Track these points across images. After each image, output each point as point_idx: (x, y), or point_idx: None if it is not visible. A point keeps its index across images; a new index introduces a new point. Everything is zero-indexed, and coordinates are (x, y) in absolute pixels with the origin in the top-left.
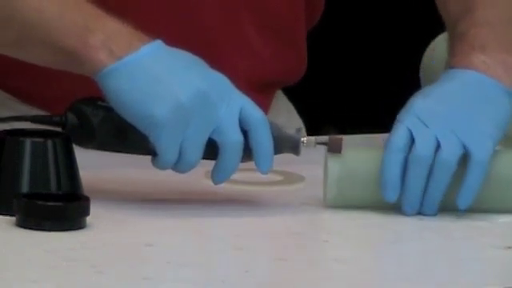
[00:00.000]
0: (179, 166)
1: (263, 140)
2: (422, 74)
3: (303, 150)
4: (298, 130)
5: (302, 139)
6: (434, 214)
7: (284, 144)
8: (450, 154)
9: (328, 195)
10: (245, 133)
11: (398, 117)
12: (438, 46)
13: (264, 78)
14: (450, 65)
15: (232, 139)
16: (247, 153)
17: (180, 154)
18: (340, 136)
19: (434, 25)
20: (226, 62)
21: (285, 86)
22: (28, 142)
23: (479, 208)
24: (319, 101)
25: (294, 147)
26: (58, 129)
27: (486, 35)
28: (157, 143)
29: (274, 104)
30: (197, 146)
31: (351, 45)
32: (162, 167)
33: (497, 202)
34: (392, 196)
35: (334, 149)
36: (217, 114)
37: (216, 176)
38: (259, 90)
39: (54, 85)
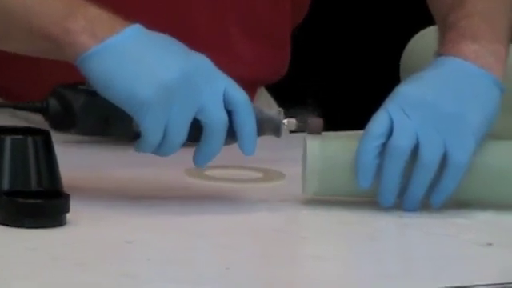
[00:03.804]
0: (163, 148)
1: (247, 120)
2: (402, 72)
3: (285, 145)
4: (280, 112)
5: (284, 121)
6: (415, 210)
7: (266, 125)
8: (431, 153)
9: (307, 186)
10: (228, 114)
11: (383, 103)
12: (418, 42)
13: (247, 78)
14: (438, 52)
15: (217, 118)
16: (230, 135)
17: (164, 135)
18: (320, 118)
19: (417, 22)
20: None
21: (267, 84)
22: (8, 140)
23: (463, 199)
24: (301, 97)
25: (275, 129)
26: (40, 115)
27: (478, 25)
28: (141, 124)
29: (256, 100)
30: (181, 127)
31: (335, 42)
32: (146, 150)
33: (481, 193)
34: (364, 183)
35: (314, 130)
36: (201, 94)
37: (199, 157)
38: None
39: (36, 81)
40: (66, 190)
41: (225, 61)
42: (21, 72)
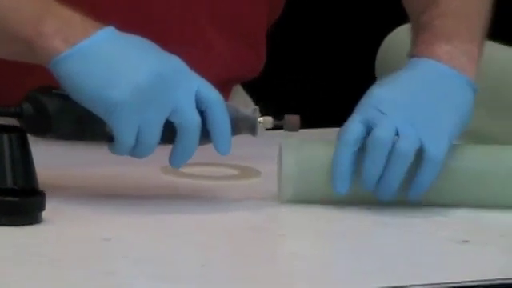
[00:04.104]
0: (137, 150)
1: (220, 120)
2: (377, 69)
3: (261, 143)
4: (255, 110)
5: (259, 119)
6: (390, 200)
7: (241, 124)
8: (408, 144)
9: (282, 193)
10: (202, 114)
11: (356, 107)
12: (393, 40)
13: (222, 76)
14: (411, 54)
15: (190, 120)
16: (205, 135)
17: (138, 137)
18: (296, 115)
19: (392, 19)
20: (183, 59)
21: (242, 81)
22: None
23: (438, 202)
24: (278, 94)
25: (250, 127)
26: (15, 120)
27: (451, 25)
28: (114, 126)
29: (232, 98)
30: (155, 128)
31: (311, 39)
32: (120, 152)
33: (455, 196)
34: (341, 188)
35: (291, 127)
36: (173, 96)
37: (174, 159)
38: (216, 87)
39: (11, 86)
40: (41, 187)
41: (200, 58)
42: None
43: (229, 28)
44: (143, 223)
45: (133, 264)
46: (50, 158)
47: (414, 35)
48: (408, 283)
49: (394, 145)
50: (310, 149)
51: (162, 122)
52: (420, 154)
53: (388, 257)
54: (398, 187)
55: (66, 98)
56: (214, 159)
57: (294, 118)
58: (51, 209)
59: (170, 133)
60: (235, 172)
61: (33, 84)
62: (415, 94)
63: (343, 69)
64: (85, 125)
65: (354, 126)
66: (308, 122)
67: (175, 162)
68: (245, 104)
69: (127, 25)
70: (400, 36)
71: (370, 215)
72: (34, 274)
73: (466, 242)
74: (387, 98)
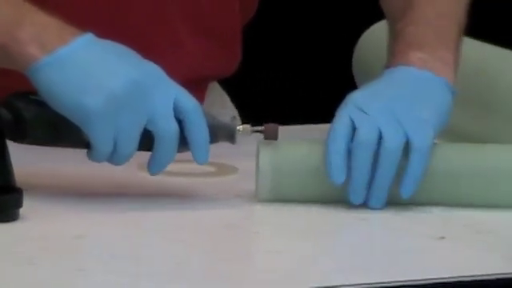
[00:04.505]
0: (114, 158)
1: (198, 129)
2: (354, 66)
3: (238, 140)
4: (233, 118)
5: (238, 127)
6: (381, 208)
7: (219, 132)
8: (394, 141)
9: (259, 192)
10: (180, 122)
11: (337, 110)
12: (369, 37)
13: (196, 76)
14: (387, 65)
15: (167, 129)
16: (183, 143)
17: (115, 145)
18: (276, 124)
19: (368, 17)
20: (158, 61)
21: (217, 79)
22: None
23: (418, 201)
24: (254, 91)
25: (229, 135)
26: None
27: (423, 32)
28: (90, 135)
29: (208, 95)
30: (131, 137)
31: (289, 35)
32: (97, 159)
33: (434, 195)
34: (339, 178)
35: (270, 136)
36: (151, 104)
37: (152, 167)
38: (192, 87)
39: None
40: (18, 185)
41: (173, 58)
42: None
43: (200, 27)
44: (118, 220)
45: (107, 261)
46: (28, 156)
47: (390, 44)
48: (384, 280)
49: (380, 145)
50: (288, 146)
51: (139, 131)
52: (406, 147)
53: (364, 254)
54: (390, 188)
55: (42, 105)
56: (190, 156)
57: (272, 127)
58: (28, 206)
59: (148, 140)
60: (212, 169)
61: (10, 84)
62: (395, 96)
63: (321, 65)
64: (62, 132)
65: (343, 120)
66: (287, 119)
67: (153, 169)
68: (222, 102)
69: (96, 26)
70: (377, 33)
71: (344, 211)
72: (9, 272)
73: (442, 238)
74: (366, 99)
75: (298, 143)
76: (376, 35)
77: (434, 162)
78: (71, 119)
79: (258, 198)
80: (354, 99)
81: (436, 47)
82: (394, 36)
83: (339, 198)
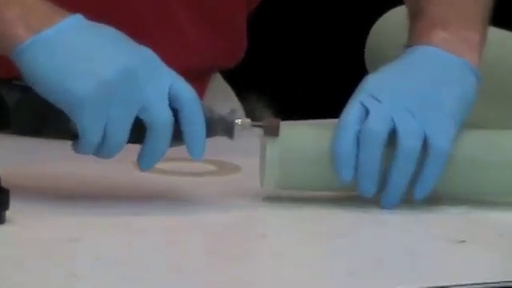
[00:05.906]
0: (103, 149)
1: (194, 120)
2: (367, 56)
3: (239, 135)
4: (233, 112)
5: (237, 121)
6: (395, 205)
7: (216, 126)
8: (411, 140)
9: (266, 178)
10: (175, 113)
11: (353, 94)
12: (384, 25)
13: (198, 66)
14: (408, 43)
15: (160, 118)
16: (177, 135)
17: (104, 135)
18: (277, 118)
19: (378, 8)
20: (158, 50)
21: (220, 70)
22: None
23: (440, 191)
24: (260, 83)
25: (227, 130)
26: None
27: (447, 12)
28: (78, 123)
29: (210, 86)
30: (122, 127)
31: (294, 27)
32: (85, 151)
33: (457, 185)
34: (346, 174)
35: (271, 132)
36: (144, 92)
37: (143, 160)
38: (194, 78)
39: None
40: (4, 186)
41: (173, 47)
42: None
43: (203, 15)
44: (114, 223)
45: (104, 266)
46: (14, 155)
47: (410, 23)
48: (400, 286)
49: (395, 143)
50: (296, 132)
51: (131, 120)
52: (424, 145)
53: (373, 257)
54: (404, 187)
55: (27, 90)
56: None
57: (273, 122)
58: (15, 208)
59: (140, 131)
60: (213, 167)
61: None
62: (413, 77)
63: (326, 59)
64: (47, 120)
65: (354, 107)
66: (291, 113)
67: (144, 163)
68: (225, 93)
69: (95, 13)
70: (390, 21)
71: (352, 213)
72: None
73: (463, 241)
74: (383, 83)
75: (306, 126)
76: (390, 23)
77: (458, 150)
78: (58, 105)
79: (263, 185)
80: (367, 83)
81: (461, 27)
82: (416, 14)
83: (348, 188)
